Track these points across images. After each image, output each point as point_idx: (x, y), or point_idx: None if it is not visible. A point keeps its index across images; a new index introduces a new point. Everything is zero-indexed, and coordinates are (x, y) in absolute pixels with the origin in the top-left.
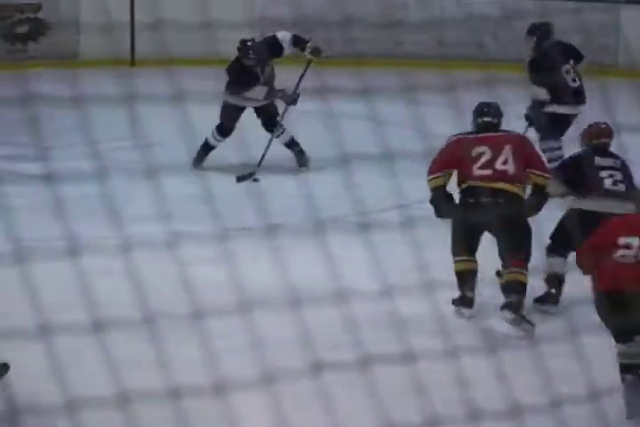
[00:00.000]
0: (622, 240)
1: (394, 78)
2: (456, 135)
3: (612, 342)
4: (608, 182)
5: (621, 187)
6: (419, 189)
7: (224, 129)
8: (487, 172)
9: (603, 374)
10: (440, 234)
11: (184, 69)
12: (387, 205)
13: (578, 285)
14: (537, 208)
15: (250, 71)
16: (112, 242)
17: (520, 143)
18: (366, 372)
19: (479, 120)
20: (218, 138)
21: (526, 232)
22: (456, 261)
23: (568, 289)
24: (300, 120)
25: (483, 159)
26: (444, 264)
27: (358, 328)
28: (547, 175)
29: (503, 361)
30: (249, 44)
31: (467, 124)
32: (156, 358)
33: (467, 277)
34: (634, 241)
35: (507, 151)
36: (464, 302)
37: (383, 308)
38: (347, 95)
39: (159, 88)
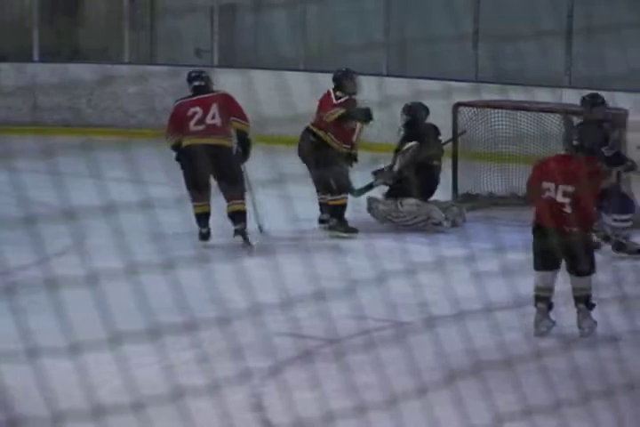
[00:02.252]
0: (544, 184)
1: None
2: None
3: None
4: None
5: None
6: (18, 255)
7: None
8: (201, 127)
9: None
10: (43, 300)
11: None
12: None
13: None
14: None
15: None
16: None
17: (224, 100)
18: None
19: (191, 86)
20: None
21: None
22: (195, 206)
23: None
24: None
25: (196, 117)
26: (52, 331)
27: None
28: (246, 122)
29: None
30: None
31: (69, 191)
32: None
33: (201, 217)
34: (551, 186)
35: (214, 108)
36: (201, 235)
37: None
38: None
39: None
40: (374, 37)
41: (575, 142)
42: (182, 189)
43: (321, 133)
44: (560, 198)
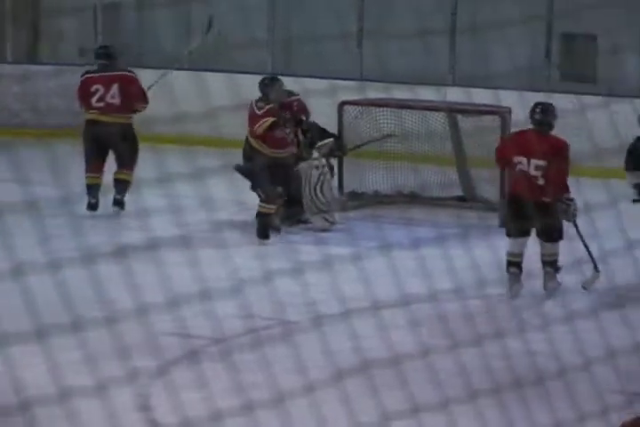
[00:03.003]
0: (515, 159)
1: None
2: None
3: None
4: None
5: None
6: None
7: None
8: (101, 104)
9: None
10: None
11: None
12: None
13: None
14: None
15: None
16: None
17: (127, 81)
18: None
19: (96, 62)
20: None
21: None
22: (87, 177)
23: None
24: None
25: (98, 94)
26: None
27: None
28: (144, 104)
29: None
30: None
31: None
32: None
33: (92, 188)
34: (523, 160)
35: (115, 88)
36: (89, 205)
37: None
38: None
39: None
40: (259, 36)
41: (537, 117)
42: (67, 190)
43: (252, 140)
44: (533, 172)
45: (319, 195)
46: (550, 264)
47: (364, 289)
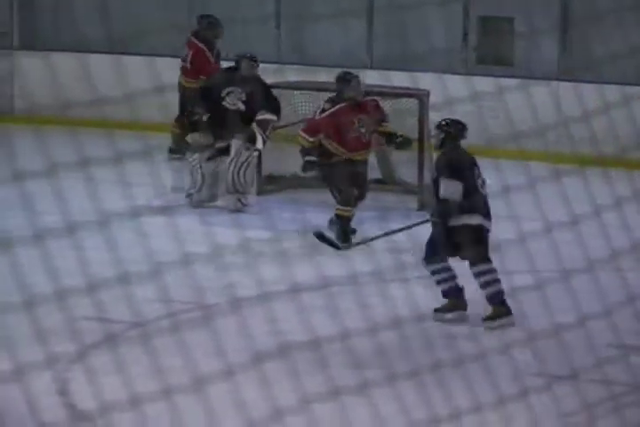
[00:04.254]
0: None
1: None
2: None
3: None
4: None
5: None
6: None
7: None
8: (182, 64)
9: None
10: None
11: None
12: None
13: None
14: None
15: None
16: None
17: (194, 49)
18: None
19: None
20: None
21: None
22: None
23: None
24: None
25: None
26: None
27: None
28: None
29: None
30: None
31: None
32: None
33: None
34: None
35: (189, 53)
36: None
37: None
38: None
39: None
40: (177, 20)
41: None
42: None
43: (325, 143)
44: None
45: (241, 176)
46: None
47: (282, 272)
